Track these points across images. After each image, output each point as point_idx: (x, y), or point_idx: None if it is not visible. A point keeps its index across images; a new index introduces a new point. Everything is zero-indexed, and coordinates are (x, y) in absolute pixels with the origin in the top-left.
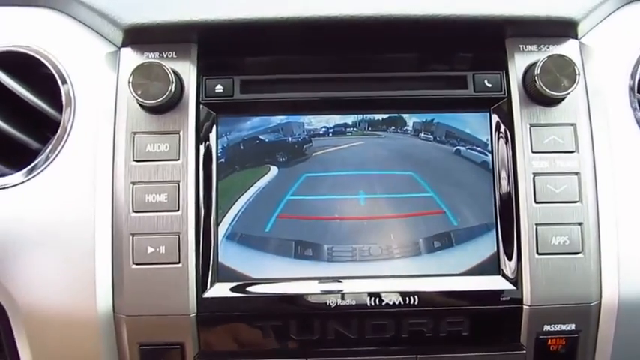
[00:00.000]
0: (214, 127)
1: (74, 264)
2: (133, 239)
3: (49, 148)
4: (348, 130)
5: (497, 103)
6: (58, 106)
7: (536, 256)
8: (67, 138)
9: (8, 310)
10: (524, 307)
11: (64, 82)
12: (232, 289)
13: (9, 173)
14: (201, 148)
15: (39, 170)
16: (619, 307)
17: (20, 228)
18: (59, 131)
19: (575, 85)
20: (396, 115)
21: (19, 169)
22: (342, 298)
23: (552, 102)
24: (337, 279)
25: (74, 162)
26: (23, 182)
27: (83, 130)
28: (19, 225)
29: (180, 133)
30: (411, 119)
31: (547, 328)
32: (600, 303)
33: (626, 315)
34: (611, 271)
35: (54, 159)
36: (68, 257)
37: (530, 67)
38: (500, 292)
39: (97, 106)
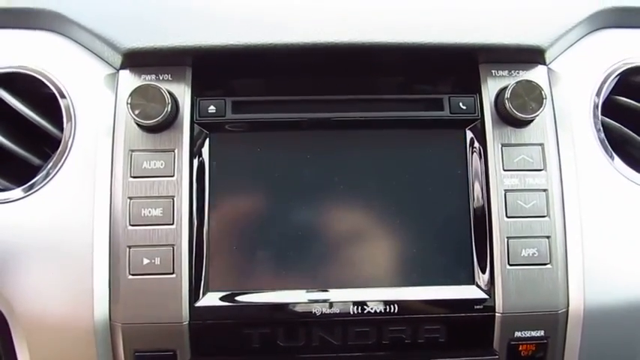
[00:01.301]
0: (207, 146)
1: (72, 275)
2: (129, 251)
3: (50, 164)
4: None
5: (471, 124)
6: (59, 125)
7: (508, 267)
8: (68, 154)
9: (8, 318)
10: (497, 314)
11: (64, 98)
12: (222, 299)
13: (10, 188)
14: (195, 164)
15: (40, 185)
16: (584, 314)
17: (20, 240)
18: (60, 147)
19: (542, 108)
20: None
21: (20, 184)
22: (328, 307)
23: (522, 124)
24: (322, 289)
25: (74, 177)
26: (24, 197)
27: (83, 146)
28: (19, 238)
29: (175, 151)
30: (391, 138)
31: (518, 334)
32: (567, 311)
33: (591, 322)
34: (577, 282)
35: (55, 175)
36: (67, 268)
37: (502, 91)
38: (474, 300)
39: (96, 124)
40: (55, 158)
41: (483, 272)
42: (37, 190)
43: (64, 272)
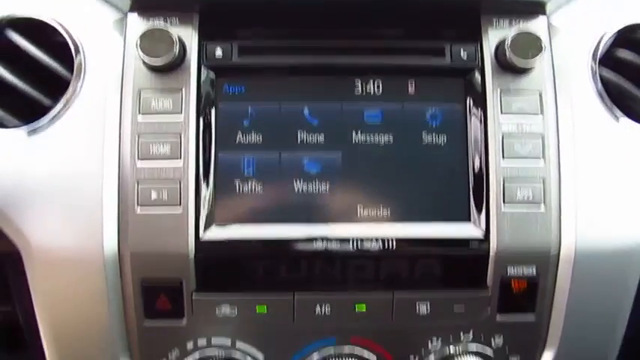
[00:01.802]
0: (214, 87)
1: (83, 209)
2: (138, 186)
3: (61, 103)
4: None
5: (471, 72)
6: (69, 68)
7: (503, 207)
8: (79, 93)
9: (23, 251)
10: (491, 252)
11: (73, 41)
12: (226, 233)
13: (21, 125)
14: (202, 103)
15: (52, 123)
16: (576, 255)
17: (33, 176)
18: (70, 86)
19: (541, 55)
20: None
21: (31, 122)
22: (328, 242)
23: (521, 72)
24: (323, 224)
25: (84, 115)
26: (36, 133)
27: (93, 87)
28: (32, 173)
29: (183, 90)
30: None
31: (510, 271)
32: (559, 251)
33: (582, 263)
34: (569, 223)
35: (65, 112)
36: (78, 202)
37: (502, 40)
38: (470, 239)
39: (106, 67)
40: (66, 96)
41: (479, 212)
42: (49, 127)
43: (74, 206)
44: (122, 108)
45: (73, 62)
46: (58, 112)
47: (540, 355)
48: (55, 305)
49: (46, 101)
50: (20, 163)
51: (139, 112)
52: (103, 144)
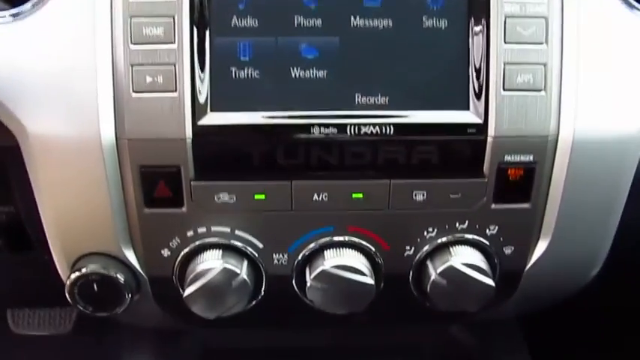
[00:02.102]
0: None
1: (78, 95)
2: (132, 69)
3: None
4: None
5: None
6: None
7: (502, 92)
8: None
9: (20, 140)
10: (489, 138)
11: None
12: (223, 118)
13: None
14: None
15: (38, 5)
16: (574, 142)
17: (25, 64)
18: None
19: None
20: None
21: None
22: (325, 127)
23: None
24: (321, 109)
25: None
26: (23, 18)
27: None
28: (23, 61)
29: None
30: None
31: (507, 158)
32: (557, 137)
33: (580, 151)
34: (569, 110)
35: None
36: (72, 89)
37: None
38: (468, 124)
39: None
40: None
41: (478, 99)
42: (35, 11)
43: (68, 94)
44: None
45: None
46: None
47: (534, 246)
48: (56, 197)
49: None
50: (10, 50)
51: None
52: (94, 27)
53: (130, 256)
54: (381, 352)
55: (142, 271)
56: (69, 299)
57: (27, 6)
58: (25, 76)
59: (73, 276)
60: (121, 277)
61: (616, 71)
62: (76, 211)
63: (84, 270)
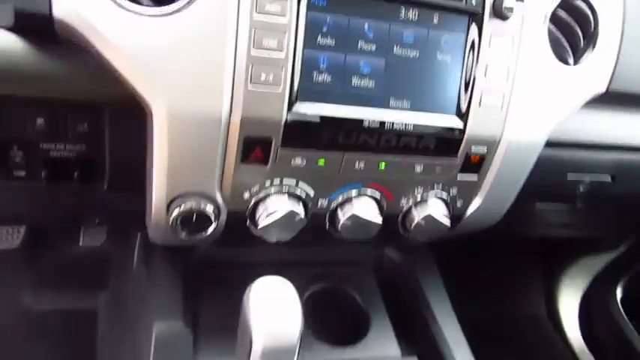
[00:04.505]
0: None
1: (208, 81)
2: (252, 67)
3: None
4: None
5: (476, 14)
6: None
7: (477, 108)
8: None
9: (155, 111)
10: (465, 137)
11: None
12: (305, 108)
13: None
14: (298, 10)
15: (188, 5)
16: (509, 142)
17: (167, 52)
18: None
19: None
20: None
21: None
22: (371, 122)
23: (505, 18)
24: (369, 107)
25: (212, 5)
26: (175, 14)
27: None
28: (166, 49)
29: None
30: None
31: (473, 149)
32: (501, 139)
33: (510, 147)
34: (510, 123)
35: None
36: (203, 75)
37: None
38: (454, 128)
39: None
40: None
41: (463, 110)
42: (184, 10)
43: (201, 79)
44: (239, 5)
45: None
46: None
47: (472, 201)
48: (174, 151)
49: None
50: (162, 39)
51: (256, 11)
52: (225, 32)
53: (218, 196)
54: (337, 263)
55: (224, 208)
56: (170, 228)
57: (182, 2)
58: (171, 59)
59: (177, 210)
60: (210, 211)
61: (538, 103)
62: (189, 163)
63: (185, 206)
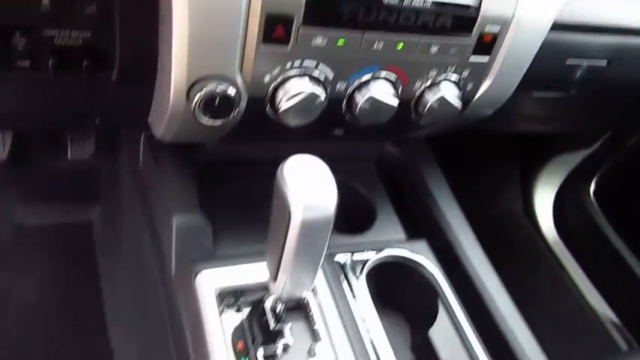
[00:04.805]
0: None
1: None
2: None
3: None
4: None
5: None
6: None
7: None
8: None
9: None
10: (479, 16)
11: None
12: None
13: None
14: None
15: None
16: (519, 22)
17: None
18: None
19: None
20: None
21: None
22: None
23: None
24: None
25: None
26: None
27: None
28: None
29: None
30: None
31: (487, 29)
32: (512, 18)
33: (520, 28)
34: (522, 4)
35: None
36: None
37: None
38: (470, 5)
39: None
40: None
41: None
42: None
43: None
44: None
45: None
46: None
47: (481, 84)
48: (192, 34)
49: None
50: None
51: None
52: None
53: (239, 79)
54: (339, 159)
55: (244, 92)
56: (191, 114)
57: None
58: None
59: (199, 94)
60: (233, 94)
61: None
62: (210, 43)
63: (207, 89)
